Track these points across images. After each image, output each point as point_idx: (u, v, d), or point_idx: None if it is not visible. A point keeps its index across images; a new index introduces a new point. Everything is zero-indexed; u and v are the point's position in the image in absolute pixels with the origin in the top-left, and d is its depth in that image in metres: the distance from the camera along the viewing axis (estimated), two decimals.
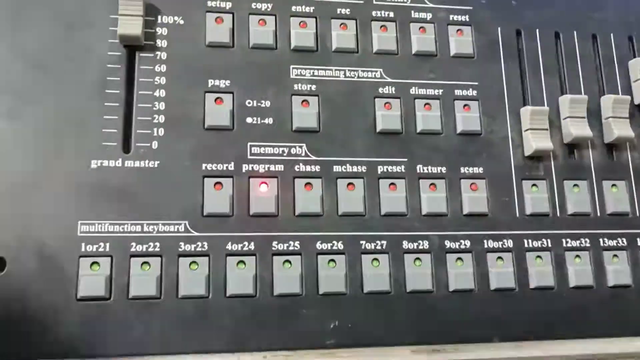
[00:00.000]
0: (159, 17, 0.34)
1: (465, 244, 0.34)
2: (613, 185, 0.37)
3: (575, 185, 0.36)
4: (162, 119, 0.33)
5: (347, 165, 0.34)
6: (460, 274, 0.33)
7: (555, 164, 0.36)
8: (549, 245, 0.35)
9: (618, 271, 0.35)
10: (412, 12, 0.37)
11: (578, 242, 0.35)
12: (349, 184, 0.34)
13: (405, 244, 0.33)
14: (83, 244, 0.31)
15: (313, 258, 0.32)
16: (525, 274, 0.34)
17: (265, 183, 0.33)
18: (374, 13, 0.37)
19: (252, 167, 0.33)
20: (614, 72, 0.39)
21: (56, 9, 0.33)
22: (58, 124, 0.32)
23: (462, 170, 0.35)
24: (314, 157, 0.34)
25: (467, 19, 0.38)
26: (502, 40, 0.38)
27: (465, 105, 0.36)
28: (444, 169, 0.35)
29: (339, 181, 0.34)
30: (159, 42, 0.34)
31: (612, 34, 0.39)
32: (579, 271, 0.35)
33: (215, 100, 0.34)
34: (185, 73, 0.34)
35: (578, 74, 0.38)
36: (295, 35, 0.35)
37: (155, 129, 0.33)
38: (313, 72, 0.35)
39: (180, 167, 0.32)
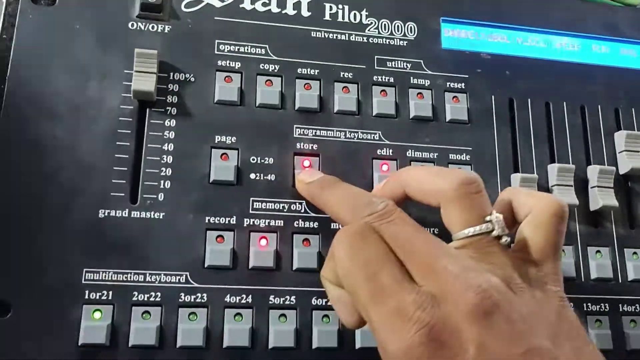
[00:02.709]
0: (171, 74, 0.36)
1: None
2: (597, 251, 0.38)
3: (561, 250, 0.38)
4: (169, 171, 0.34)
5: None
6: None
7: None
8: None
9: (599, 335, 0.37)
10: (411, 78, 0.39)
11: None
12: None
13: None
14: (87, 292, 0.32)
15: (308, 313, 0.34)
16: None
17: (265, 238, 0.34)
18: (375, 78, 0.39)
19: (253, 222, 0.35)
20: (600, 143, 0.41)
21: (72, 61, 0.35)
22: (69, 173, 0.33)
23: None
24: (313, 214, 0.35)
25: (463, 87, 0.40)
26: (495, 108, 0.40)
27: (458, 169, 0.38)
28: (436, 230, 0.36)
29: None
30: (169, 98, 0.35)
31: (599, 106, 0.42)
32: None
33: (221, 155, 0.35)
34: (194, 128, 0.35)
35: (567, 143, 0.40)
36: (300, 96, 0.37)
37: (162, 182, 0.34)
38: (315, 132, 0.37)
39: (184, 220, 0.34)
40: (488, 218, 0.28)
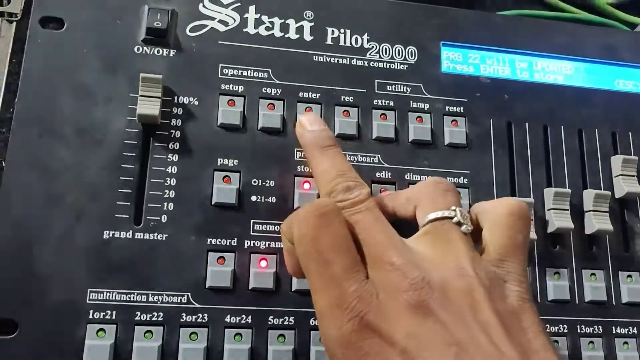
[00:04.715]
0: (175, 98, 0.37)
1: None
2: (592, 274, 0.39)
3: (556, 273, 0.38)
4: (172, 194, 0.35)
5: None
6: None
7: (538, 252, 0.39)
8: None
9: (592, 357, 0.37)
10: (411, 102, 0.40)
11: (557, 328, 0.37)
12: None
13: None
14: (91, 311, 0.33)
15: (306, 334, 0.34)
16: None
17: (265, 259, 0.35)
18: (375, 101, 0.39)
19: (254, 243, 0.35)
20: (597, 167, 0.41)
21: (79, 84, 0.36)
22: (75, 195, 0.34)
23: None
24: None
25: (462, 110, 0.40)
26: (493, 132, 0.40)
27: None
28: None
29: None
30: (173, 121, 0.36)
31: (596, 130, 0.42)
32: None
33: (224, 178, 0.36)
34: (197, 151, 0.36)
35: (563, 167, 0.41)
36: None
37: (165, 204, 0.35)
38: None
39: (186, 241, 0.35)
40: (453, 207, 0.30)
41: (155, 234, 0.34)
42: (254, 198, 0.36)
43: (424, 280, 0.26)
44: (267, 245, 0.35)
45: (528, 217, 0.30)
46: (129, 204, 0.35)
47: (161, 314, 0.33)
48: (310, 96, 0.38)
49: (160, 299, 0.34)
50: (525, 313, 0.27)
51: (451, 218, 0.29)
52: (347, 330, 0.26)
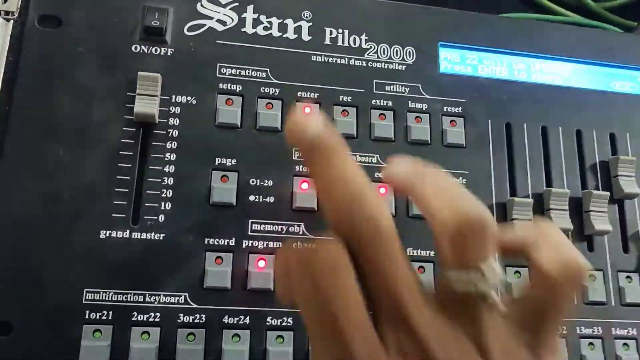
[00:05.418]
0: (173, 97, 0.36)
1: None
2: (591, 275, 0.39)
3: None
4: (170, 193, 0.35)
5: None
6: None
7: None
8: None
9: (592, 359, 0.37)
10: (409, 102, 0.40)
11: None
12: None
13: None
14: (87, 312, 0.32)
15: (305, 334, 0.34)
16: None
17: (263, 259, 0.35)
18: (373, 101, 0.39)
19: (252, 243, 0.35)
20: (595, 167, 0.41)
21: (76, 83, 0.35)
22: (71, 194, 0.34)
23: None
24: (311, 236, 0.36)
25: (460, 111, 0.40)
26: (492, 133, 0.40)
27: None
28: (431, 253, 0.37)
29: None
30: (171, 120, 0.36)
31: (594, 131, 0.42)
32: None
33: (221, 177, 0.36)
34: (194, 150, 0.36)
35: (562, 168, 0.41)
36: None
37: (163, 203, 0.35)
38: None
39: (184, 241, 0.34)
40: (482, 266, 0.24)
41: (153, 234, 0.34)
42: (252, 198, 0.36)
43: (438, 351, 0.23)
44: (265, 245, 0.35)
45: (583, 282, 0.26)
46: (126, 203, 0.34)
47: (158, 314, 0.33)
48: (308, 96, 0.38)
49: (157, 300, 0.33)
50: None
51: (475, 284, 0.24)
52: None
